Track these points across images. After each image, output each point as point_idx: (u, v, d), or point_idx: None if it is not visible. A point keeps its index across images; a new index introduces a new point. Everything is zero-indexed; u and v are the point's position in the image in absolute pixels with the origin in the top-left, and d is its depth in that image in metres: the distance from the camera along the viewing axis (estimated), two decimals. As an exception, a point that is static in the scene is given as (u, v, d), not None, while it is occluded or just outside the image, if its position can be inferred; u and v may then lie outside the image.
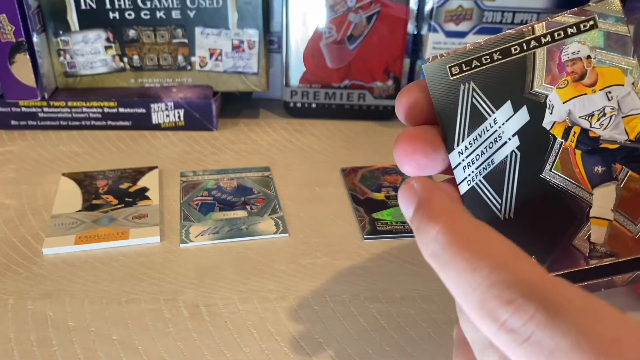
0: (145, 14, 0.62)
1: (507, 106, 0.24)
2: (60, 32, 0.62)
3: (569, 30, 0.24)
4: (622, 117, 0.24)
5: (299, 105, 0.66)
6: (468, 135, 0.25)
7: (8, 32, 0.58)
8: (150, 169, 0.55)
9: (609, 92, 0.24)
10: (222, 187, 0.53)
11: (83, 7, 0.61)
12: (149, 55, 0.63)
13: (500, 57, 0.24)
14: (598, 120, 0.24)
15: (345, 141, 0.63)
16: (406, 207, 0.23)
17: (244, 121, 0.66)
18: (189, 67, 0.64)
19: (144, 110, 0.62)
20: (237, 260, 0.44)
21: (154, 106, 0.62)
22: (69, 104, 0.62)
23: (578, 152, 0.24)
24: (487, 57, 0.24)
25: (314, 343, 0.37)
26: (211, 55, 0.63)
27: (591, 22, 0.24)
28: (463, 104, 0.25)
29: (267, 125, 0.65)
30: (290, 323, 0.39)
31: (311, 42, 0.63)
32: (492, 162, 0.25)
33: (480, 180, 0.25)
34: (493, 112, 0.24)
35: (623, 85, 0.24)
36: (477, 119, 0.25)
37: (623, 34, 0.24)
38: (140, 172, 0.54)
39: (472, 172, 0.25)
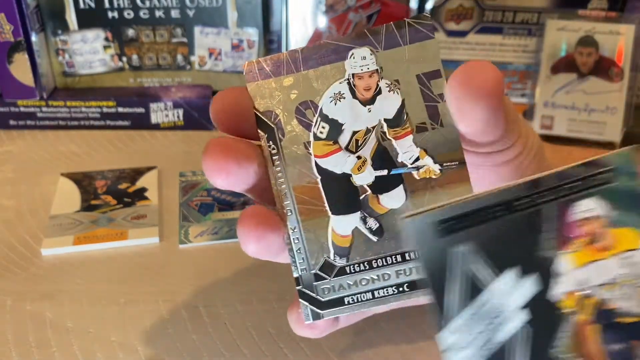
0: (144, 13, 0.61)
1: (511, 273, 0.21)
2: (59, 32, 0.62)
3: (581, 185, 0.20)
4: (638, 287, 0.21)
5: (298, 104, 0.66)
6: (463, 310, 0.21)
7: (6, 32, 0.57)
8: (149, 169, 0.55)
9: (625, 258, 0.21)
10: (222, 187, 0.53)
11: (82, 6, 0.61)
12: (148, 55, 0.63)
13: (501, 213, 0.20)
14: (614, 289, 0.21)
15: (345, 141, 0.62)
16: None
17: (244, 121, 0.66)
18: (188, 67, 0.64)
19: (143, 110, 0.62)
20: (236, 260, 0.44)
21: (153, 106, 0.62)
22: (68, 103, 0.61)
23: (593, 328, 0.21)
24: (487, 212, 0.20)
25: (314, 344, 0.37)
26: (210, 54, 0.63)
27: (605, 176, 0.20)
28: (457, 270, 0.21)
29: (267, 124, 0.65)
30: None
31: (311, 42, 0.63)
32: (493, 341, 0.21)
33: None
34: (494, 280, 0.21)
35: None
36: (474, 288, 0.21)
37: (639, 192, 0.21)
38: (139, 172, 0.54)
39: (468, 356, 0.21)
